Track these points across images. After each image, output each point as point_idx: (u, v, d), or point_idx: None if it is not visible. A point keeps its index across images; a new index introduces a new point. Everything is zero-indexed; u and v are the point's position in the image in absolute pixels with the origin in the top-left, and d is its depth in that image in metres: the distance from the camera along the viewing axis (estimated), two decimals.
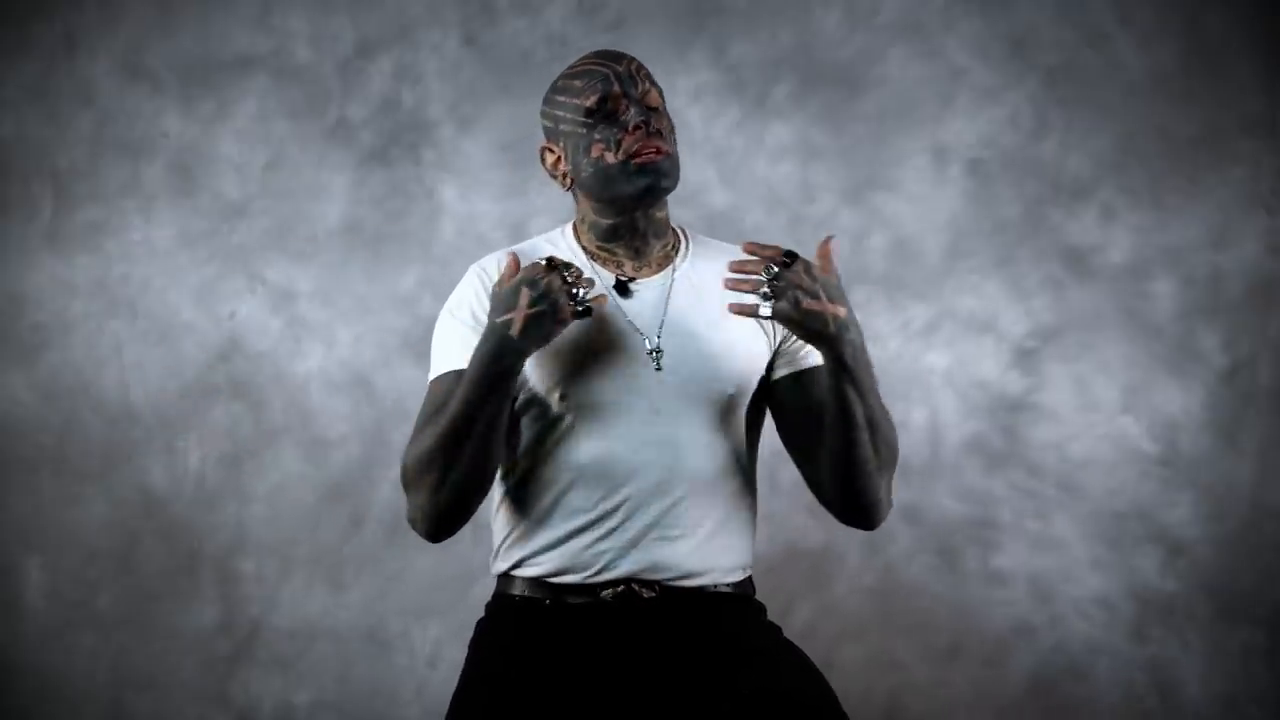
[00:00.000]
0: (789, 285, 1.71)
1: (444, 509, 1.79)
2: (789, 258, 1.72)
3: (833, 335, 1.72)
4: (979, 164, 2.90)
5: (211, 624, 2.89)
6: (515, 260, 1.78)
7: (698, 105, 2.91)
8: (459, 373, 1.80)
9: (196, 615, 2.89)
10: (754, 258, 1.75)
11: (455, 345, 1.84)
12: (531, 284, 1.73)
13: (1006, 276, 2.88)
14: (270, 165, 2.96)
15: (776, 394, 1.89)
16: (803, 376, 1.87)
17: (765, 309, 1.73)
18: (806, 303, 1.71)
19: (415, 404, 2.86)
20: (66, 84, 2.96)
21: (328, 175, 2.95)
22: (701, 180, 2.88)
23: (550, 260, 1.76)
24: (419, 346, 2.89)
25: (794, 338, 1.87)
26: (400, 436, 2.89)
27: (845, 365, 1.74)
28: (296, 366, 2.93)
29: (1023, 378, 2.87)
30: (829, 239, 1.77)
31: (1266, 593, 2.81)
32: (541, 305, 1.73)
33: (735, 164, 2.90)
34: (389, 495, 2.90)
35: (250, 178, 2.95)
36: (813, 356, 1.86)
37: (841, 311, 1.72)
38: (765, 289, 1.72)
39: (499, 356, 1.74)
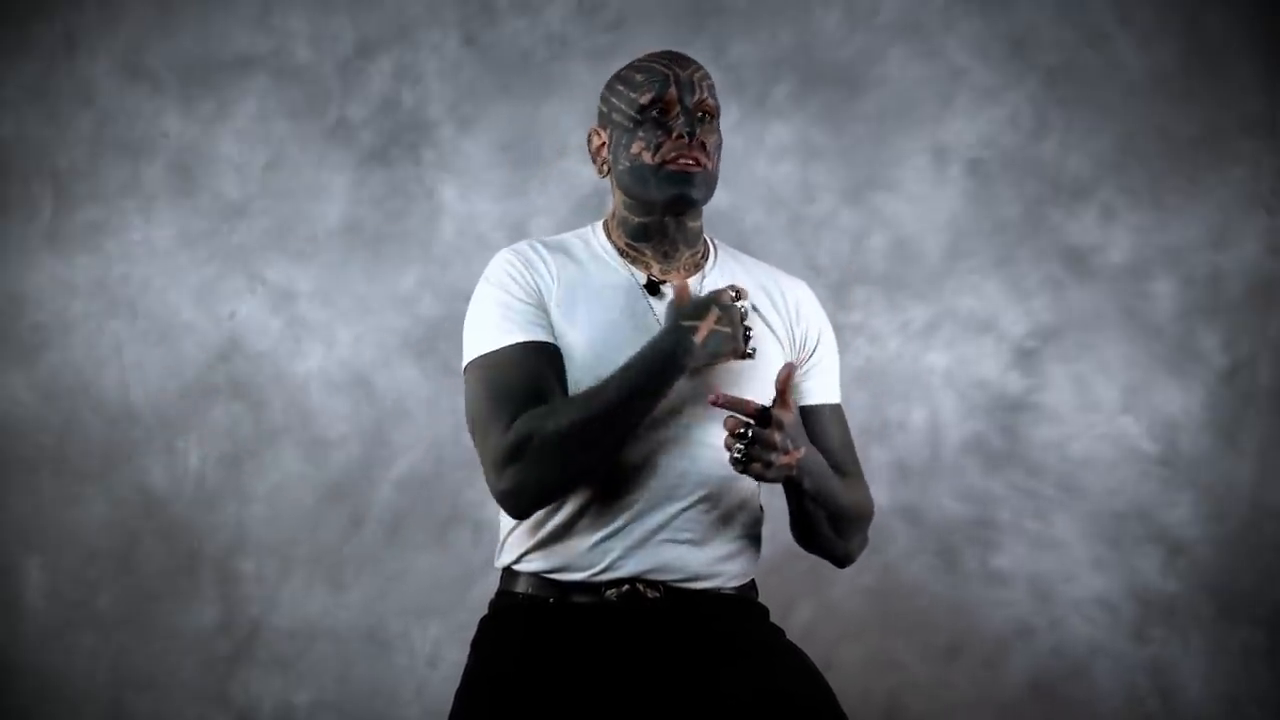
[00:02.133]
0: (763, 448, 1.72)
1: (561, 488, 1.77)
2: (762, 419, 1.72)
3: (796, 479, 1.78)
4: (979, 164, 2.90)
5: (211, 624, 2.89)
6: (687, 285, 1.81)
7: None
8: (524, 345, 1.79)
9: (196, 615, 2.89)
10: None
11: (511, 316, 1.82)
12: (721, 305, 1.77)
13: (1006, 276, 2.88)
14: (270, 165, 2.96)
15: None
16: (800, 410, 1.91)
17: (738, 468, 1.74)
18: (778, 461, 1.73)
19: (415, 404, 2.90)
20: (66, 84, 2.95)
21: (328, 175, 2.95)
22: None
23: (736, 293, 1.80)
24: (419, 346, 2.89)
25: (810, 370, 1.94)
26: (400, 436, 2.89)
27: (804, 491, 1.81)
28: (296, 366, 2.93)
29: (1023, 378, 2.87)
30: (789, 368, 1.77)
31: (1267, 593, 2.81)
32: (726, 326, 1.77)
33: (735, 164, 2.90)
34: (389, 495, 2.89)
35: (250, 178, 2.95)
36: (815, 395, 1.94)
37: (801, 453, 1.76)
38: (738, 450, 1.72)
39: (677, 354, 1.74)
